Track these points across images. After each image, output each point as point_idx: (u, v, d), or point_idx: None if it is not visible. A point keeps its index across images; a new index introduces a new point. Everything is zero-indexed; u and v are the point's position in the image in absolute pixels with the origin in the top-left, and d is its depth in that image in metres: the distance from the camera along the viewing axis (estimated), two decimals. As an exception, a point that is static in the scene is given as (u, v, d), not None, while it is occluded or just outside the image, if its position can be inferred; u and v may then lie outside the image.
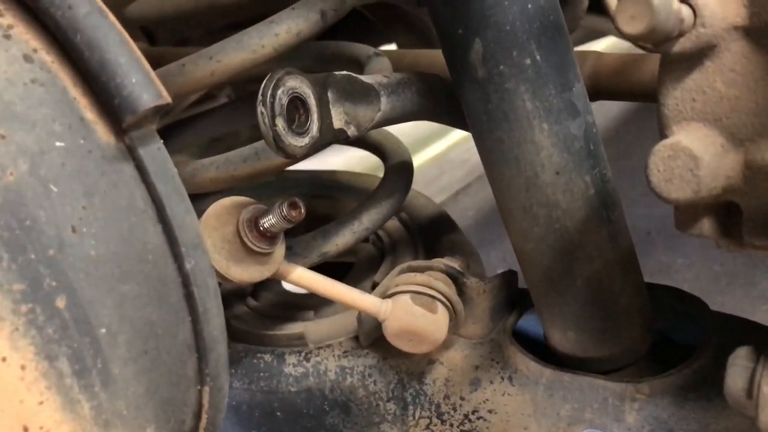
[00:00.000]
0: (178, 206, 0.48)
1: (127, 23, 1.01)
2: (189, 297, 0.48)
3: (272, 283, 1.06)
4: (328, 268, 0.95)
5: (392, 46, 1.58)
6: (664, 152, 0.44)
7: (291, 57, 0.92)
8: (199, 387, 0.51)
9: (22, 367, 0.41)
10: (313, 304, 0.99)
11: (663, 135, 0.47)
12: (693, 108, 0.45)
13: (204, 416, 0.53)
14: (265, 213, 0.72)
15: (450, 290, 0.83)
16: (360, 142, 1.04)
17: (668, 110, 0.46)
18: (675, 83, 0.46)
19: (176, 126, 1.33)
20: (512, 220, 0.77)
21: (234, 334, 0.97)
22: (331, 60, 1.01)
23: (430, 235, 1.07)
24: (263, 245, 0.72)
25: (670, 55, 0.44)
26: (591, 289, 0.75)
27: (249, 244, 0.72)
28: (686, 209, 0.49)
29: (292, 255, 0.87)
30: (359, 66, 0.94)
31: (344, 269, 1.07)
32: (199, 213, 0.63)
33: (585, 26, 1.26)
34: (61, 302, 0.43)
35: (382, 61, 0.92)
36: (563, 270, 0.75)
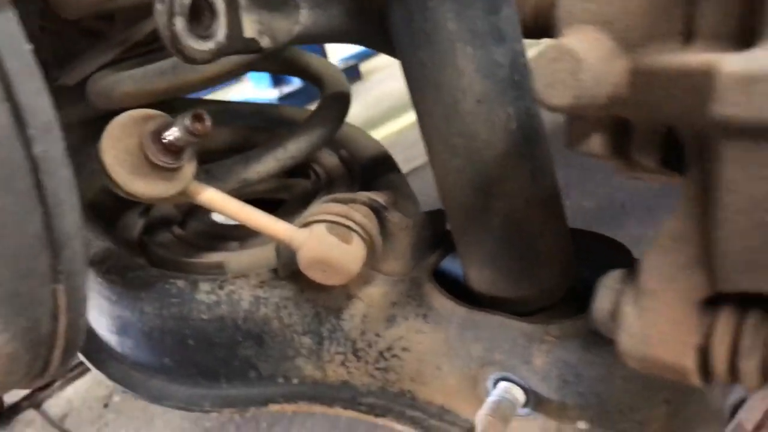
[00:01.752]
0: (29, 85, 0.44)
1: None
2: (39, 186, 0.45)
3: (201, 213, 1.03)
4: (264, 203, 0.92)
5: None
6: (548, 54, 0.41)
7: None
8: (53, 285, 0.48)
9: None
10: (238, 235, 0.96)
11: (555, 36, 0.44)
12: (584, 9, 0.42)
13: (62, 318, 0.50)
14: (168, 126, 0.68)
15: (370, 223, 0.79)
16: (296, 69, 1.00)
17: (561, 12, 0.43)
18: (568, -17, 0.42)
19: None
20: (434, 151, 0.74)
21: (153, 260, 0.94)
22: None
23: (368, 174, 1.04)
24: (167, 159, 0.69)
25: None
26: (508, 228, 0.72)
27: (152, 157, 0.68)
28: (576, 124, 0.45)
29: (210, 179, 0.84)
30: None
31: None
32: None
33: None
34: None
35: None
36: (481, 205, 0.72)
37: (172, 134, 0.68)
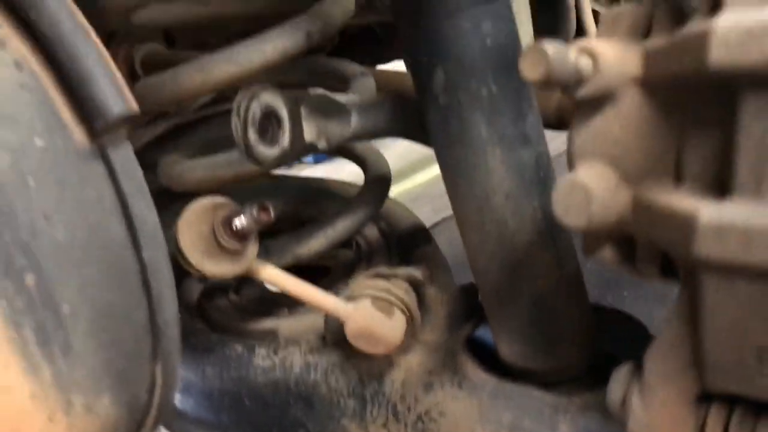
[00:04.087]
0: (141, 203, 0.54)
1: (139, 27, 1.09)
2: (146, 283, 0.55)
3: (253, 280, 1.13)
4: (310, 270, 1.01)
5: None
6: (564, 186, 0.50)
7: (286, 70, 0.99)
8: (152, 365, 0.58)
9: (-9, 333, 0.48)
10: (288, 302, 1.05)
11: (570, 169, 0.53)
12: (594, 147, 0.51)
13: (157, 391, 0.59)
14: (238, 214, 0.78)
15: (409, 297, 0.89)
16: (345, 152, 1.11)
17: (574, 147, 0.52)
18: (581, 123, 0.52)
19: (188, 126, 1.40)
20: (467, 236, 0.83)
21: (213, 325, 1.04)
22: (321, 75, 1.07)
23: (405, 245, 1.13)
24: (235, 243, 0.79)
25: (576, 98, 0.50)
26: (535, 307, 0.81)
27: (222, 241, 0.79)
28: (590, 237, 0.54)
29: (267, 255, 0.93)
30: (346, 83, 1.00)
31: (326, 272, 1.14)
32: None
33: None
34: (30, 280, 0.50)
35: (366, 80, 0.98)
36: (511, 286, 0.81)
37: (240, 222, 0.78)
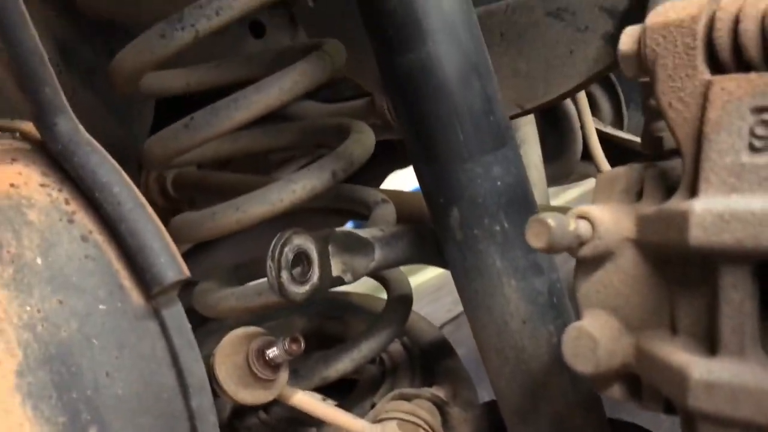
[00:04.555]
0: (189, 355, 0.60)
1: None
2: (194, 429, 0.60)
3: (283, 399, 1.17)
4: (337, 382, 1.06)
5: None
6: (572, 333, 0.55)
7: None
8: None
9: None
10: (316, 422, 1.09)
11: (578, 317, 0.58)
12: (597, 298, 0.57)
13: None
14: (270, 344, 0.84)
15: (433, 419, 0.93)
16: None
17: (580, 297, 0.58)
18: (584, 277, 0.57)
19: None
20: (488, 359, 0.88)
21: (244, 445, 1.08)
22: (346, 201, 1.15)
23: (428, 360, 1.18)
24: (268, 373, 0.84)
25: (578, 257, 0.56)
26: (554, 426, 0.85)
27: (255, 371, 0.84)
28: (600, 378, 0.59)
29: (296, 377, 0.98)
30: (368, 208, 1.08)
31: (352, 384, 1.19)
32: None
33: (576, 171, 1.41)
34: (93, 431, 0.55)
35: (386, 207, 1.06)
36: (530, 407, 0.85)
37: (273, 353, 0.84)
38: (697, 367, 0.46)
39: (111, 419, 0.56)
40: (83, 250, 0.59)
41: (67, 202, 0.60)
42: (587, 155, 1.36)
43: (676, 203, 0.50)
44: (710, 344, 0.49)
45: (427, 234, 0.95)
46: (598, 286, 0.57)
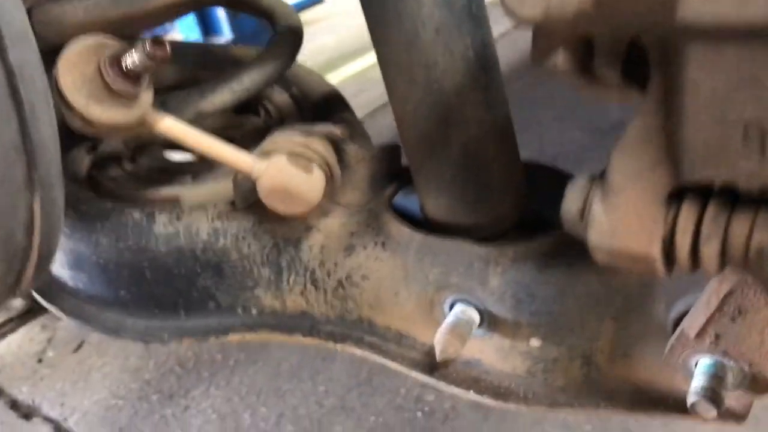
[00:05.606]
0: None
1: None
2: (14, 93, 0.45)
3: (151, 149, 1.02)
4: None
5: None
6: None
7: None
8: (29, 196, 0.48)
9: None
10: (192, 170, 0.95)
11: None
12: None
13: (37, 231, 0.50)
14: (127, 50, 0.67)
15: (328, 153, 0.81)
16: (247, 4, 1.00)
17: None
18: None
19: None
20: (393, 84, 0.75)
21: (105, 195, 0.93)
22: None
23: (320, 112, 1.05)
24: (126, 86, 0.68)
25: None
26: (465, 156, 0.75)
27: (110, 83, 0.68)
28: (543, 39, 0.48)
29: (165, 109, 0.83)
30: None
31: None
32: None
33: None
34: None
35: None
36: (439, 135, 0.75)
37: (131, 59, 0.67)
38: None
39: None
40: None
41: None
42: None
43: None
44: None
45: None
46: None
